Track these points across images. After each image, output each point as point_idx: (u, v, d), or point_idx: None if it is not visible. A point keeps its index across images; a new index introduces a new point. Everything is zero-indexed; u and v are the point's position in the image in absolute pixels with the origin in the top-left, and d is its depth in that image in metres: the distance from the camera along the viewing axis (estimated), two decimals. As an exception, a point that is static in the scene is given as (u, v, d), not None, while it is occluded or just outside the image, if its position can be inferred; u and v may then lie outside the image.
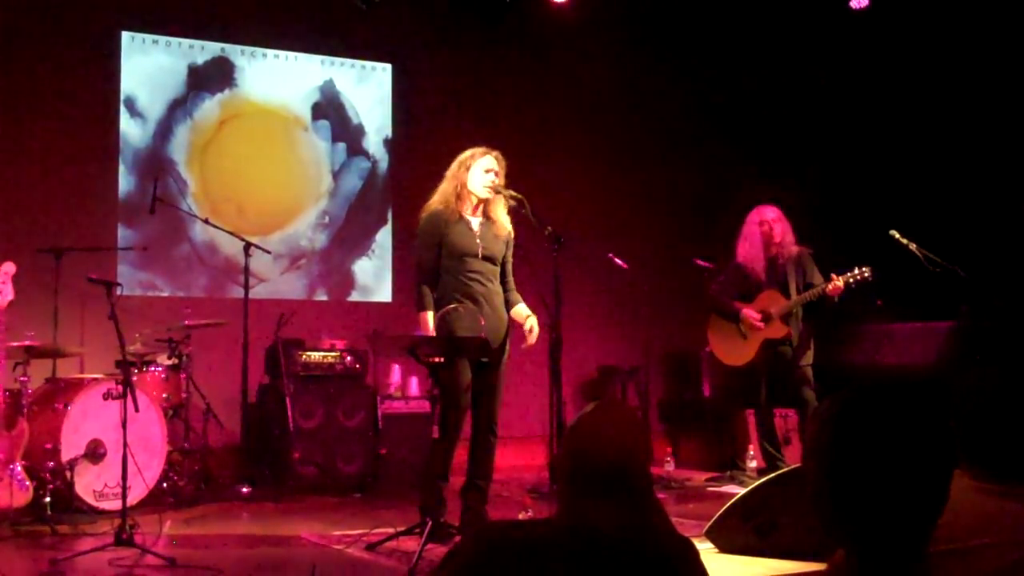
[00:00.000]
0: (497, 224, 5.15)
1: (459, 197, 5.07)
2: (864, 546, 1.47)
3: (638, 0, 8.81)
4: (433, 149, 7.24)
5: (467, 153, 5.14)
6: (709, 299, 7.05)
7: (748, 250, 6.81)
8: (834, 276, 6.50)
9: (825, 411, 1.53)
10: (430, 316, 4.97)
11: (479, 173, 5.07)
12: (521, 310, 5.20)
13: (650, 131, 9.03)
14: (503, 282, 5.22)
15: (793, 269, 6.76)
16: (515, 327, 5.19)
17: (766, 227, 6.75)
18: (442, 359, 4.81)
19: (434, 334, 4.91)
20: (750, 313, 6.76)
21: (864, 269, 6.45)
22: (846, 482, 1.45)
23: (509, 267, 5.25)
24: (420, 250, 5.10)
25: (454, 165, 5.15)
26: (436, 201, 5.12)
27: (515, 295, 5.25)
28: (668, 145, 9.10)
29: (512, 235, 5.22)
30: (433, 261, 5.04)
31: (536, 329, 5.12)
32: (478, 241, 5.07)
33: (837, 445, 1.47)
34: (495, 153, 5.13)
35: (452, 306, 4.95)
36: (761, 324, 6.73)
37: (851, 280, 6.46)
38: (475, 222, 5.11)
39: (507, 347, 5.13)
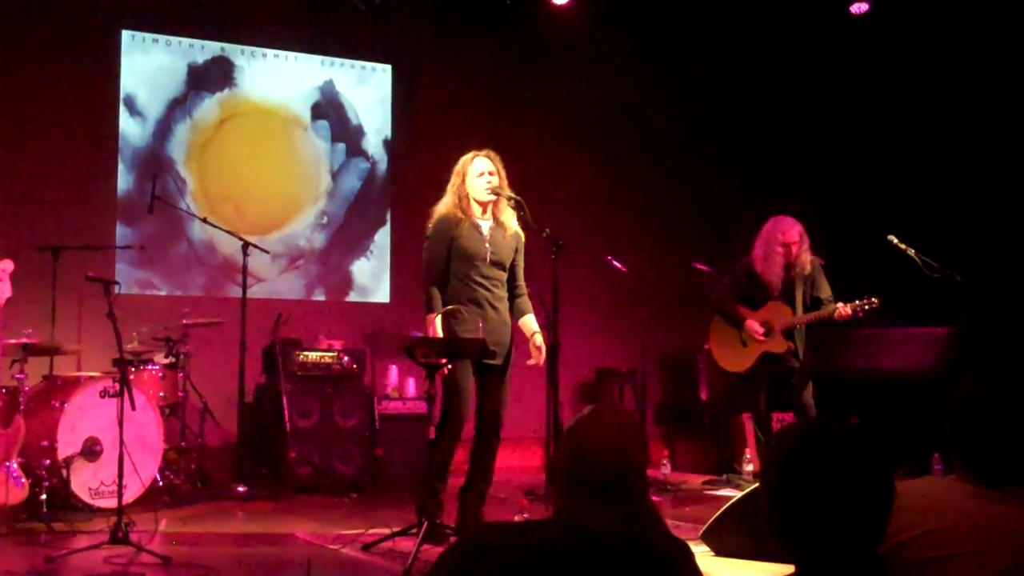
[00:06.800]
0: (506, 227, 5.10)
1: (465, 206, 5.04)
2: (806, 558, 1.70)
3: (638, 2, 8.81)
4: (432, 151, 7.27)
5: (460, 162, 5.10)
6: (715, 301, 7.02)
7: (767, 266, 6.72)
8: (842, 304, 6.48)
9: (777, 445, 1.76)
10: (438, 319, 4.94)
11: (474, 178, 5.03)
12: (529, 322, 5.15)
13: (649, 134, 9.02)
14: (514, 286, 5.16)
15: (802, 282, 6.74)
16: (518, 333, 5.16)
17: (789, 249, 6.68)
18: (440, 360, 4.80)
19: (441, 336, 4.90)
20: (753, 326, 6.74)
21: (874, 299, 6.42)
22: (791, 506, 1.70)
23: (519, 270, 5.19)
24: (430, 252, 5.05)
25: (452, 177, 5.10)
26: (445, 204, 5.08)
27: (526, 302, 5.20)
28: (667, 148, 9.10)
29: (522, 238, 5.17)
30: (443, 264, 5.00)
31: (543, 348, 5.09)
32: (487, 245, 5.02)
33: (785, 476, 1.71)
34: (485, 152, 5.07)
35: (453, 307, 4.94)
36: (763, 337, 6.73)
37: (859, 309, 6.45)
38: (485, 226, 5.06)
39: (511, 352, 5.08)
